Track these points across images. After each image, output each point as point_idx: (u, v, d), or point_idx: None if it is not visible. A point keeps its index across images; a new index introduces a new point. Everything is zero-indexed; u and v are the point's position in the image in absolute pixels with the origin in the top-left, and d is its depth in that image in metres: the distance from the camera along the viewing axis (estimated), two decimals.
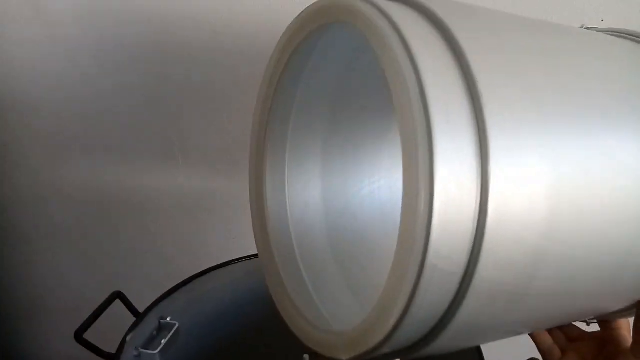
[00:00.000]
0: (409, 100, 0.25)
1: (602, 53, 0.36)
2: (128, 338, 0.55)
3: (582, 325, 0.44)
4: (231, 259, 0.68)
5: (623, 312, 0.38)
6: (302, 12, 0.36)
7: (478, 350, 0.55)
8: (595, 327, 0.43)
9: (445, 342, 0.30)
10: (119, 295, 0.61)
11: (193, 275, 0.65)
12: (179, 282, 0.64)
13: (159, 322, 0.60)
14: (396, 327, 0.28)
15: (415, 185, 0.25)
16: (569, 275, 0.30)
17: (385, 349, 0.30)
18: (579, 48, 0.35)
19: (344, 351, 0.32)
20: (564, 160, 0.28)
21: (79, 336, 0.55)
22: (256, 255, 0.69)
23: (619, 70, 0.34)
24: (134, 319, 0.59)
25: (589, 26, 0.47)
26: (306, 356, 0.56)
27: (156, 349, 0.56)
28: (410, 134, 0.25)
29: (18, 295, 1.05)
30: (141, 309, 0.61)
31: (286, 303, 0.39)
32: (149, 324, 0.59)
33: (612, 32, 0.43)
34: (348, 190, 0.45)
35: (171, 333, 0.59)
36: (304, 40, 0.36)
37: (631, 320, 0.39)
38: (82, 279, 0.99)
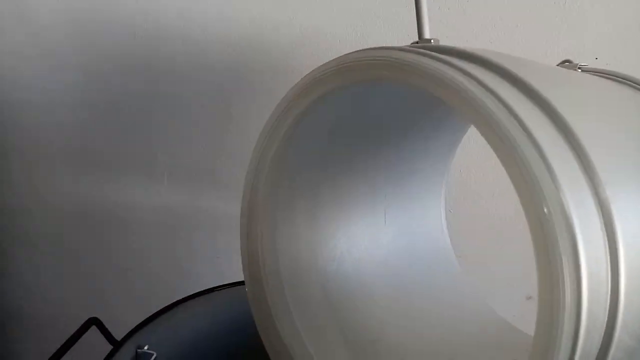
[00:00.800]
0: (549, 213, 0.24)
1: None
2: None
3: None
4: (215, 279, 0.67)
5: None
6: (339, 63, 0.34)
7: None
8: None
9: None
10: (95, 322, 0.59)
11: (174, 302, 0.63)
12: (160, 304, 0.62)
13: (136, 351, 0.59)
14: None
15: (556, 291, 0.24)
16: None
17: None
18: None
19: None
20: None
21: None
22: (240, 283, 0.67)
23: None
24: (110, 346, 0.57)
25: (583, 64, 0.47)
26: None
27: None
28: (553, 250, 0.24)
29: None
30: (119, 331, 0.59)
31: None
32: (126, 354, 0.57)
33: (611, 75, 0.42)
34: (335, 233, 0.44)
35: None
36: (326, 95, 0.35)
37: None
38: (60, 294, 0.97)
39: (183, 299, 0.64)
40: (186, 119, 0.80)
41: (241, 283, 0.67)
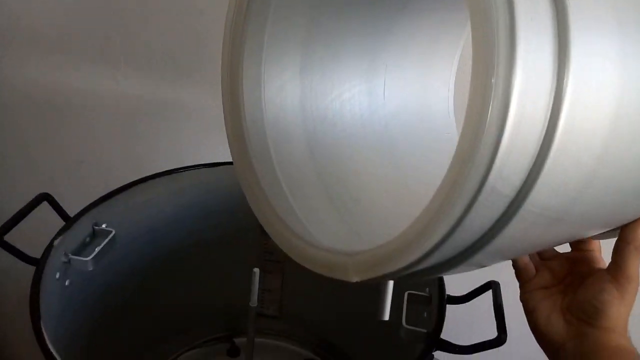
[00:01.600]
0: None
1: None
2: (56, 242, 0.50)
3: None
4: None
5: (602, 235, 0.37)
6: None
7: None
8: (565, 248, 0.42)
9: (468, 265, 0.27)
10: (46, 197, 0.55)
11: (133, 181, 0.59)
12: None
13: (93, 228, 0.55)
14: (432, 250, 0.25)
15: (485, 96, 0.21)
16: (606, 201, 0.28)
17: (409, 271, 0.26)
18: None
19: (358, 273, 0.28)
20: (633, 75, 0.25)
21: None
22: (203, 165, 0.63)
23: None
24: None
25: None
26: (256, 270, 0.52)
27: (89, 255, 0.51)
28: (489, 31, 0.21)
29: None
30: (73, 212, 0.55)
31: (271, 218, 0.35)
32: (81, 229, 0.53)
33: None
34: (327, 94, 0.41)
35: (106, 240, 0.54)
36: None
37: (604, 242, 0.40)
38: (9, 182, 0.91)
39: (142, 178, 0.60)
40: None
41: (206, 165, 0.64)
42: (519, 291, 0.43)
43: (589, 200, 0.26)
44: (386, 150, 0.39)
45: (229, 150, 0.75)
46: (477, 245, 0.26)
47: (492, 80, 0.21)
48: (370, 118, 0.41)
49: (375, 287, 0.40)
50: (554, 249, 0.43)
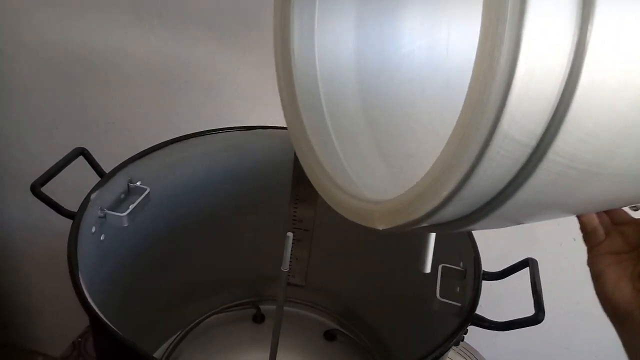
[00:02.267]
0: None
1: None
2: (92, 196, 0.49)
3: (628, 211, 0.42)
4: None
5: None
6: None
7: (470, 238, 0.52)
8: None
9: (493, 220, 0.26)
10: (82, 152, 0.55)
11: (168, 140, 0.58)
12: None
13: (128, 185, 0.55)
14: (448, 199, 0.24)
15: (497, 32, 0.20)
16: None
17: (428, 222, 0.25)
18: None
19: (383, 221, 0.28)
20: None
21: (35, 189, 0.49)
22: (238, 128, 0.63)
23: None
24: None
25: None
26: (290, 234, 0.52)
27: (124, 211, 0.51)
28: None
29: None
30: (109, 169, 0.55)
31: (316, 169, 0.35)
32: (117, 185, 0.53)
33: None
34: (385, 49, 0.39)
35: (141, 197, 0.54)
36: None
37: None
38: (41, 144, 0.92)
39: (177, 138, 0.59)
40: None
41: (241, 128, 0.63)
42: (587, 255, 0.42)
43: (631, 154, 0.24)
44: (447, 106, 0.38)
45: (262, 114, 0.74)
46: (502, 196, 0.24)
47: (506, 15, 0.19)
48: (431, 73, 0.40)
49: (416, 243, 0.40)
50: (627, 213, 0.42)
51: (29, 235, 1.05)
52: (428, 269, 0.42)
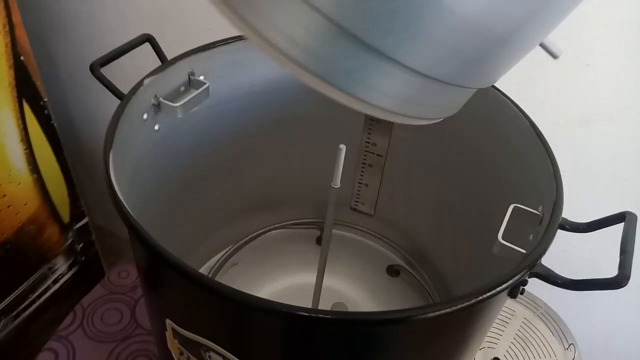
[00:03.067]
0: None
1: None
2: (146, 81, 0.48)
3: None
4: None
5: None
6: None
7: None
8: None
9: None
10: (149, 39, 0.53)
11: (237, 36, 0.55)
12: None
13: (189, 77, 0.52)
14: None
15: None
16: None
17: None
18: None
19: None
20: None
21: (94, 68, 0.48)
22: None
23: None
24: None
25: None
26: (342, 146, 0.47)
27: (178, 102, 0.49)
28: None
29: None
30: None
31: None
32: (176, 76, 0.51)
33: None
34: None
35: (199, 90, 0.51)
36: None
37: None
38: (115, 25, 0.90)
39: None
40: None
41: None
42: None
43: None
44: None
45: None
46: None
47: None
48: None
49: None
50: None
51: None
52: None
